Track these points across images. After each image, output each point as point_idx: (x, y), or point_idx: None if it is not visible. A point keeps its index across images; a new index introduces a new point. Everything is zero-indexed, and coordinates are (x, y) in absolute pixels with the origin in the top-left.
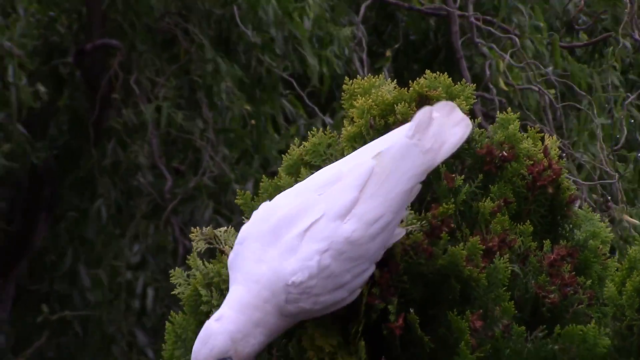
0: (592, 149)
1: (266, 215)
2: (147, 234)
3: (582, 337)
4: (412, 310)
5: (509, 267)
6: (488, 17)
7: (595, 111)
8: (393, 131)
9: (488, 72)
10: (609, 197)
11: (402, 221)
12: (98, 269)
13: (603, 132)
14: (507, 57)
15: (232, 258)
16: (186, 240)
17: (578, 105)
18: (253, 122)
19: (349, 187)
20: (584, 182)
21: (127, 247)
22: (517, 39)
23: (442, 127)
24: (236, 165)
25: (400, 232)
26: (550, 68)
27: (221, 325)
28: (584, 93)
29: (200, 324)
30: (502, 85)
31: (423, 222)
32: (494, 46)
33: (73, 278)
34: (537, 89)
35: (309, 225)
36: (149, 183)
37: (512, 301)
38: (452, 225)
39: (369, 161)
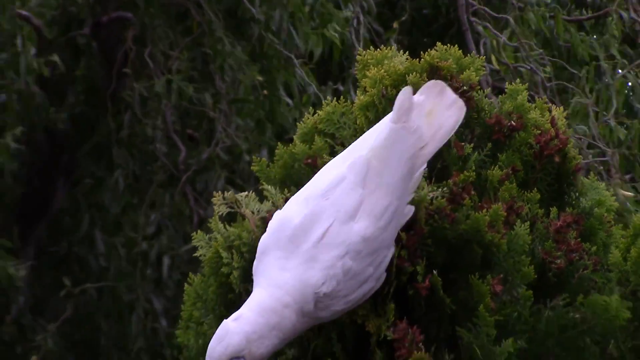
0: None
1: (281, 225)
2: (163, 202)
3: (605, 307)
4: (435, 273)
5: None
6: None
7: (587, 89)
8: (381, 121)
9: (483, 51)
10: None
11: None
12: (115, 237)
13: (599, 103)
14: (503, 37)
15: (256, 265)
16: (200, 209)
17: (568, 85)
18: (265, 92)
19: (351, 186)
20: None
21: (144, 215)
22: (511, 19)
23: (434, 108)
24: (250, 134)
25: (410, 210)
26: (542, 50)
27: (238, 325)
28: (575, 71)
29: (221, 285)
30: (494, 64)
31: (444, 188)
32: (489, 25)
33: (90, 243)
34: (528, 67)
35: (324, 233)
36: (163, 154)
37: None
38: (473, 192)
39: (364, 155)
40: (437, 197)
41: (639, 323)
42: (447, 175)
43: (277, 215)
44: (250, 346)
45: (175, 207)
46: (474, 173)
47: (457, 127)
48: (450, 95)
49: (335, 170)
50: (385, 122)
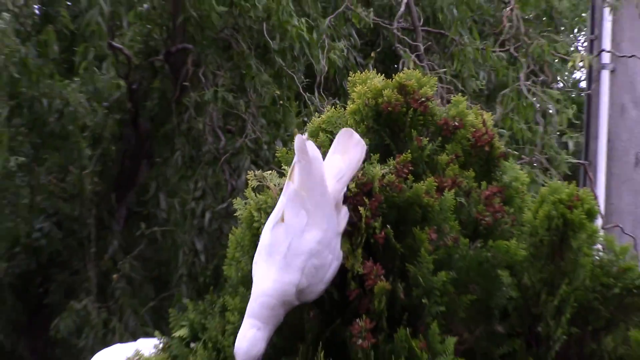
0: None
1: (260, 246)
2: (207, 175)
3: (507, 249)
4: (388, 227)
5: (456, 199)
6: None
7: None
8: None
9: (401, 68)
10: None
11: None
12: (173, 198)
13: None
14: (414, 57)
15: (254, 270)
16: (233, 181)
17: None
18: (281, 102)
19: (295, 212)
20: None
21: (194, 184)
22: (421, 45)
23: (347, 147)
24: (269, 131)
25: (345, 212)
26: (445, 69)
27: (261, 334)
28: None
29: (253, 236)
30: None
31: (390, 167)
32: (407, 50)
33: (157, 202)
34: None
35: (288, 247)
36: (209, 142)
37: (458, 221)
38: (411, 167)
39: (294, 191)
40: (387, 173)
41: (544, 261)
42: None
43: (261, 238)
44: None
45: (215, 179)
46: (410, 155)
47: (362, 158)
48: (355, 136)
49: (276, 212)
50: (289, 182)
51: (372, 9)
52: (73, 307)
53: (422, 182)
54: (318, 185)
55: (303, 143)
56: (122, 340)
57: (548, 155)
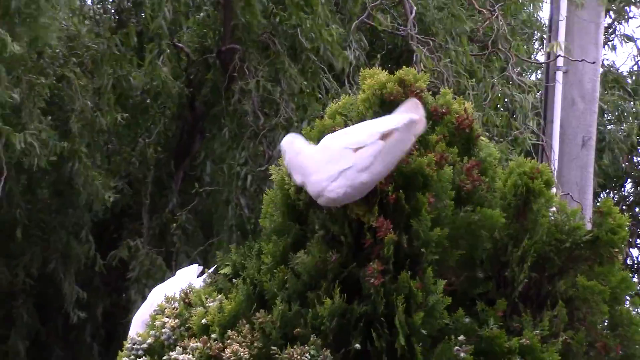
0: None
1: (322, 144)
2: (249, 146)
3: (490, 214)
4: (401, 192)
5: (449, 172)
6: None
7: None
8: (396, 114)
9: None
10: None
11: None
12: (220, 164)
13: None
14: (425, 50)
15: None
16: (270, 151)
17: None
18: (307, 90)
19: (367, 156)
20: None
21: (238, 153)
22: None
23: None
24: (298, 112)
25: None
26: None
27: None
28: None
29: (284, 195)
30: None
31: None
32: (419, 46)
33: (204, 168)
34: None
35: (345, 169)
36: (251, 121)
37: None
38: (418, 147)
39: (380, 143)
40: None
41: (511, 220)
42: None
43: (325, 139)
44: None
45: (255, 149)
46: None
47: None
48: (421, 110)
49: (361, 138)
50: (400, 120)
51: (388, 15)
52: (127, 244)
53: (424, 156)
54: (397, 156)
55: (418, 105)
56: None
57: (514, 133)
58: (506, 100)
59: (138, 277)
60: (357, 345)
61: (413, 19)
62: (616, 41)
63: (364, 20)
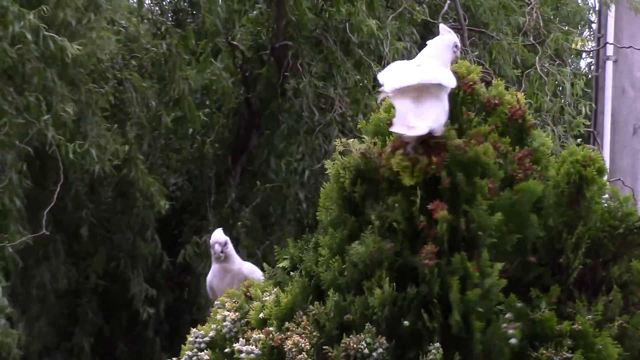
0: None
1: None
2: (306, 142)
3: (533, 193)
4: (461, 174)
5: (496, 160)
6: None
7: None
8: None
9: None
10: None
11: None
12: (280, 160)
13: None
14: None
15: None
16: (326, 146)
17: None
18: (361, 84)
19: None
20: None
21: (295, 149)
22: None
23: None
24: (351, 107)
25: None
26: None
27: None
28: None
29: (339, 188)
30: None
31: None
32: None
33: (267, 164)
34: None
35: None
36: (307, 116)
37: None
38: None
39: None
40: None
41: (565, 208)
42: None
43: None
44: None
45: (311, 144)
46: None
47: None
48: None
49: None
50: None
51: (426, 8)
52: (195, 242)
53: (475, 146)
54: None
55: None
56: None
57: (566, 120)
58: (558, 86)
59: (205, 272)
60: (406, 322)
61: (451, 13)
62: None
63: (407, 10)
